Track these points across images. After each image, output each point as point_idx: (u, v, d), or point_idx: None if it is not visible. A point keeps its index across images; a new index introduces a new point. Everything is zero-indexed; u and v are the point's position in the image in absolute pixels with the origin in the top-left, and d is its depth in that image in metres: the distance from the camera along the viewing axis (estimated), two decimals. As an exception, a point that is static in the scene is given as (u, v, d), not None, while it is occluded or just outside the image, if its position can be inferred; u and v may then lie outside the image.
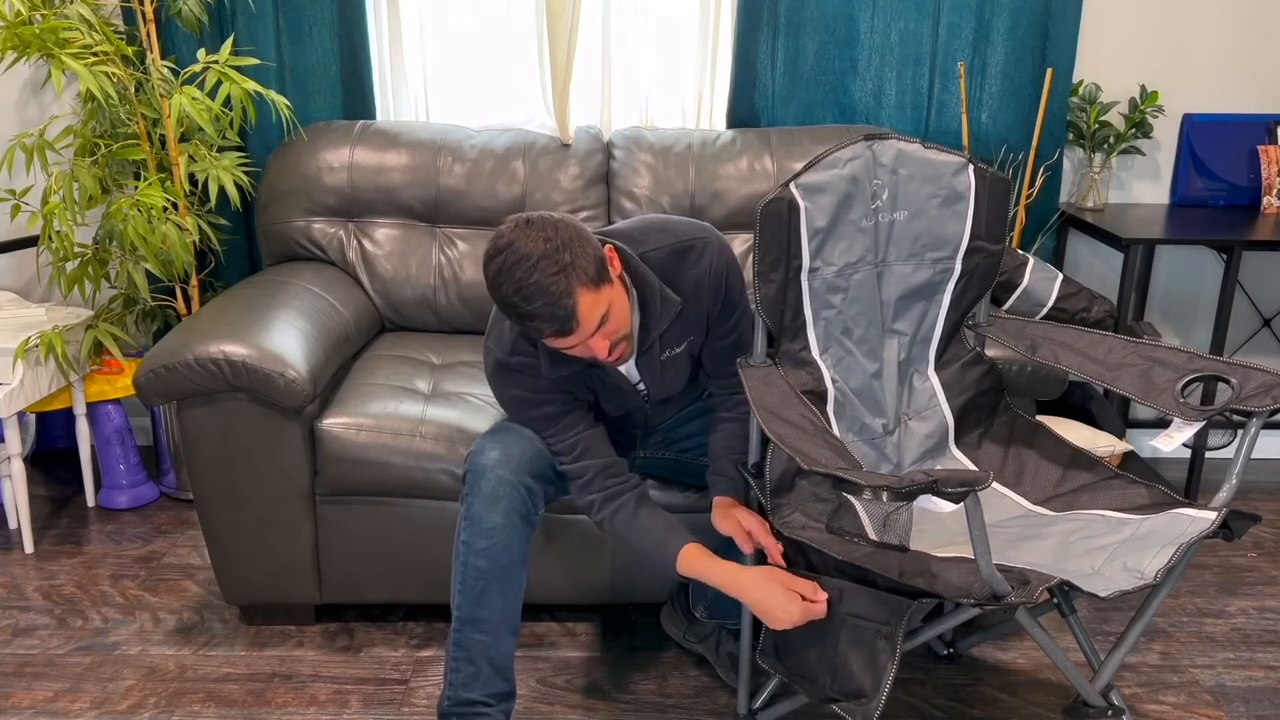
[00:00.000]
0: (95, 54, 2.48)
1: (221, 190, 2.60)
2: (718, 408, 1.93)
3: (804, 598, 1.64)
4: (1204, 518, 1.57)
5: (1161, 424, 3.24)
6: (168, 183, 2.61)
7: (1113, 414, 2.77)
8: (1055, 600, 1.63)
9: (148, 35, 2.61)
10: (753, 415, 1.76)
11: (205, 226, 2.69)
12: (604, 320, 1.60)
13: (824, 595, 1.63)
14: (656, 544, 1.77)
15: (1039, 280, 2.40)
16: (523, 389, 1.82)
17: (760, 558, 1.78)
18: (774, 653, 1.74)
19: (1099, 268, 3.10)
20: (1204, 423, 1.63)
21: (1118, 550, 1.55)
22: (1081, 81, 2.93)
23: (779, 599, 1.63)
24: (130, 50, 2.58)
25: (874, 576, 1.56)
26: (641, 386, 1.87)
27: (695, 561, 1.74)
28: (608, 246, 1.67)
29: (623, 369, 1.83)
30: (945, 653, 2.20)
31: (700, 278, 1.78)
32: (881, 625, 1.52)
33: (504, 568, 1.80)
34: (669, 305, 1.75)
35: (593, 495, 1.83)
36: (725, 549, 2.10)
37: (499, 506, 1.78)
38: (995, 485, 1.84)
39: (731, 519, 1.76)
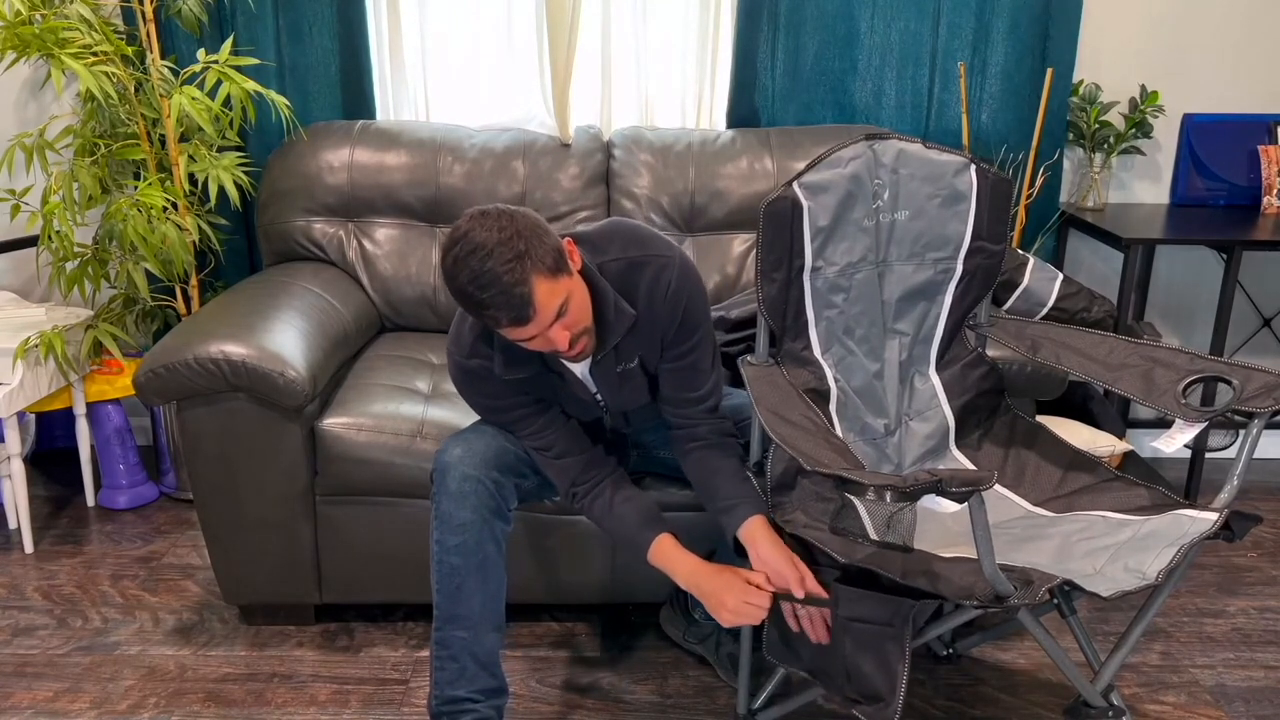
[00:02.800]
0: (95, 54, 2.48)
1: (221, 190, 2.59)
2: (682, 441, 1.87)
3: (760, 587, 1.70)
4: (1205, 519, 1.57)
5: (1162, 424, 3.24)
6: (168, 183, 2.61)
7: (1113, 414, 2.77)
8: (1056, 600, 1.63)
9: (148, 35, 2.60)
10: (754, 415, 1.76)
11: (205, 226, 2.69)
12: (563, 311, 1.58)
13: (769, 586, 1.69)
14: (631, 535, 1.80)
15: (1039, 280, 2.40)
16: (487, 394, 1.81)
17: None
18: (781, 648, 1.74)
19: (1099, 268, 3.10)
20: (1205, 424, 1.63)
21: (1119, 551, 1.55)
22: (1081, 81, 2.93)
23: (739, 596, 1.68)
24: (130, 50, 2.58)
25: (877, 576, 1.55)
26: (600, 398, 1.86)
27: (666, 555, 1.77)
28: (567, 239, 1.66)
29: (579, 374, 1.81)
30: (945, 653, 2.20)
31: (656, 295, 1.73)
32: (886, 627, 1.52)
33: (479, 563, 1.80)
34: (623, 316, 1.72)
35: (575, 488, 1.85)
36: (729, 551, 2.09)
37: (467, 502, 1.78)
38: (996, 486, 1.84)
39: (784, 555, 1.69)
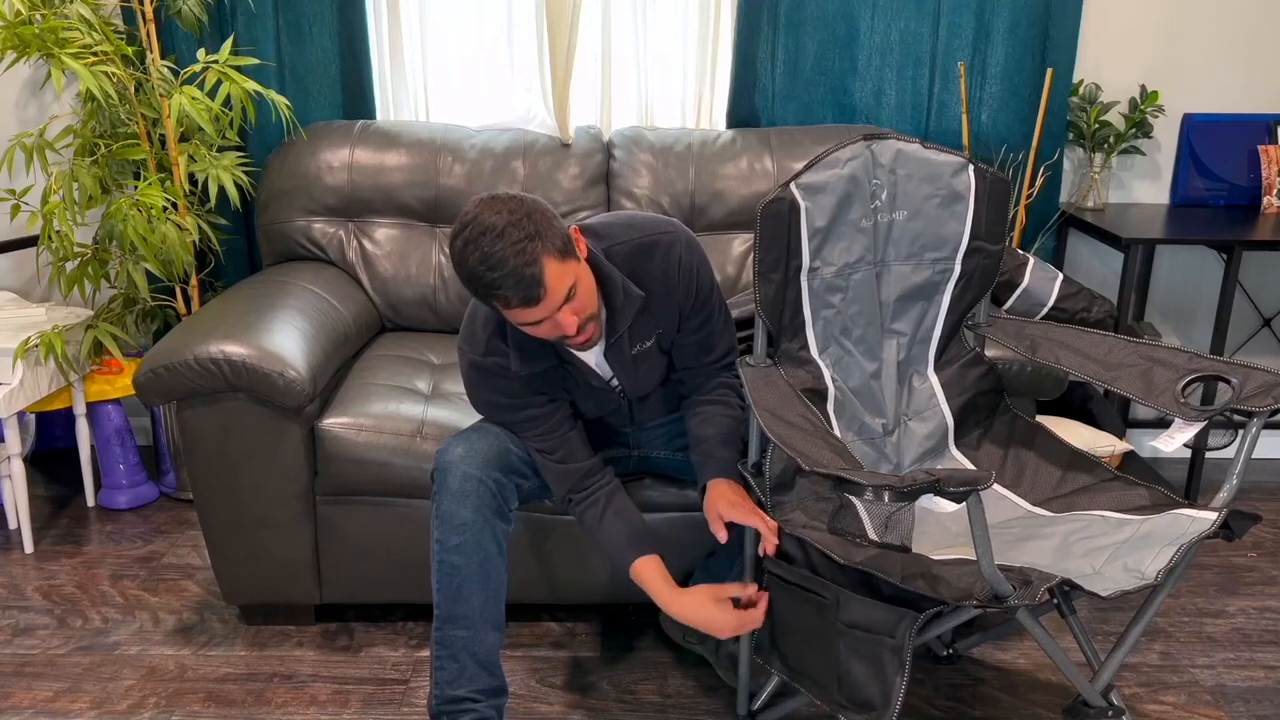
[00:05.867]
0: (95, 54, 2.48)
1: (221, 190, 2.60)
2: (694, 392, 1.93)
3: (739, 602, 1.76)
4: (1204, 518, 1.57)
5: (1162, 424, 3.24)
6: (168, 183, 2.61)
7: (1113, 414, 2.77)
8: (1056, 600, 1.63)
9: (148, 35, 2.60)
10: (752, 415, 1.76)
11: (205, 226, 2.69)
12: (571, 294, 1.60)
13: (762, 596, 1.74)
14: (617, 551, 1.83)
15: (1039, 280, 2.40)
16: (499, 393, 1.82)
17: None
18: (769, 647, 1.74)
19: (1099, 268, 3.10)
20: (1204, 423, 1.63)
21: (1118, 550, 1.55)
22: (1081, 81, 2.93)
23: (713, 614, 1.74)
24: (130, 50, 2.58)
25: (877, 582, 1.55)
26: (615, 383, 1.87)
27: (643, 577, 1.81)
28: (573, 228, 1.68)
29: (593, 363, 1.82)
30: (945, 653, 2.20)
31: (669, 272, 1.77)
32: (886, 637, 1.52)
33: (480, 563, 1.80)
34: (631, 299, 1.75)
35: (571, 494, 1.87)
36: (722, 558, 2.08)
37: (468, 502, 1.79)
38: (995, 486, 1.84)
39: (742, 510, 1.73)
